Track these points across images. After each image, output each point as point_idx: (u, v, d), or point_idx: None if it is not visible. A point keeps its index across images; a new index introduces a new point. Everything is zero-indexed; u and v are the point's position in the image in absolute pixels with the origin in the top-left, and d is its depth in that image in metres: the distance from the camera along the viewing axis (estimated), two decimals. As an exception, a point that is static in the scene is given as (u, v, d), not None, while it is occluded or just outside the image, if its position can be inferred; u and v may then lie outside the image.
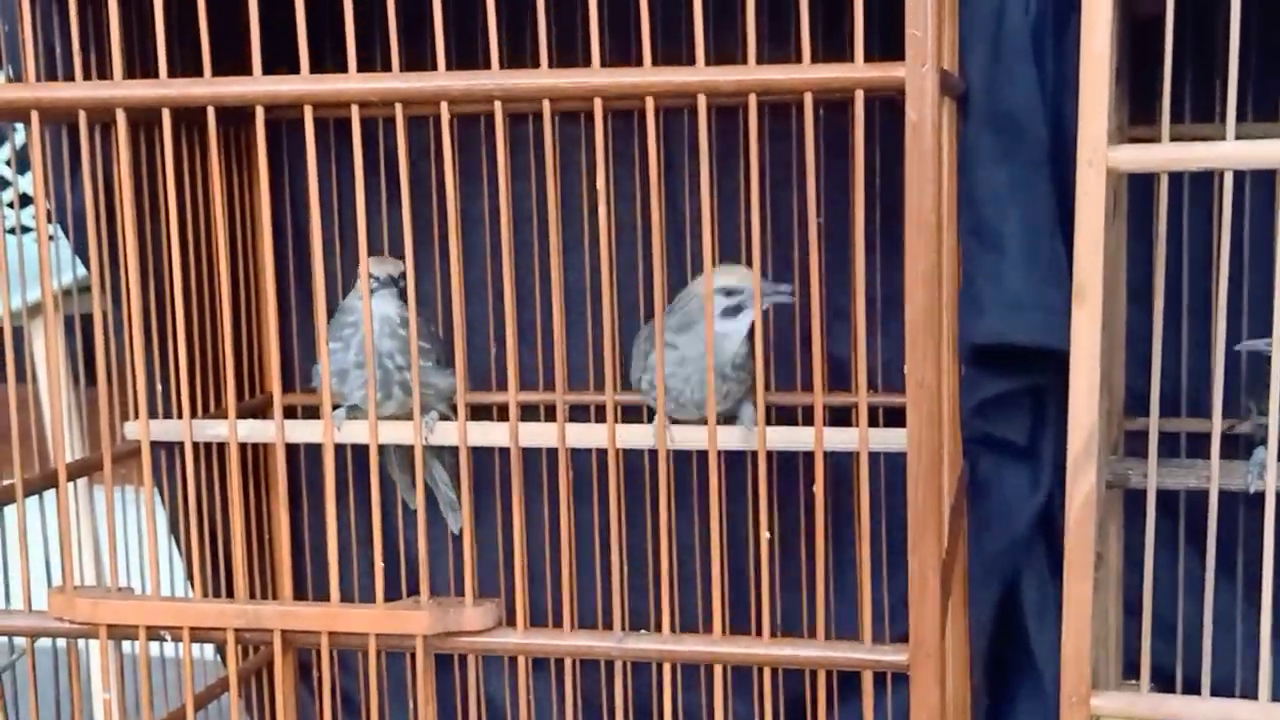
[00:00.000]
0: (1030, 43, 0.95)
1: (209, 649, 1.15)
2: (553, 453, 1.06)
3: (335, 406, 1.08)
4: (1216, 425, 0.74)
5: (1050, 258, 0.93)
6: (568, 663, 0.80)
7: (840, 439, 0.88)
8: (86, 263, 1.09)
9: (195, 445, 1.07)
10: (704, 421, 0.92)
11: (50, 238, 1.36)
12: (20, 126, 1.12)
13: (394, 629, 0.78)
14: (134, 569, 1.02)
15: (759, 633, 0.77)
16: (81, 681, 0.86)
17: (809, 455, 1.09)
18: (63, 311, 1.27)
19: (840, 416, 1.12)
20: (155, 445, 1.09)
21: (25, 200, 1.46)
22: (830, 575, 1.13)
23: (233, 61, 0.85)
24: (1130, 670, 1.08)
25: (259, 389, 1.22)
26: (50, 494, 0.91)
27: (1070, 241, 0.95)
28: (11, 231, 1.45)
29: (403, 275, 1.01)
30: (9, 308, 0.83)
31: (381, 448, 0.99)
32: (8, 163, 1.46)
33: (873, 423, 1.10)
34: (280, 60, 0.83)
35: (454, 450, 1.07)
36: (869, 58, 0.71)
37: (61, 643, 0.89)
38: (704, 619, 0.97)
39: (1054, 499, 1.01)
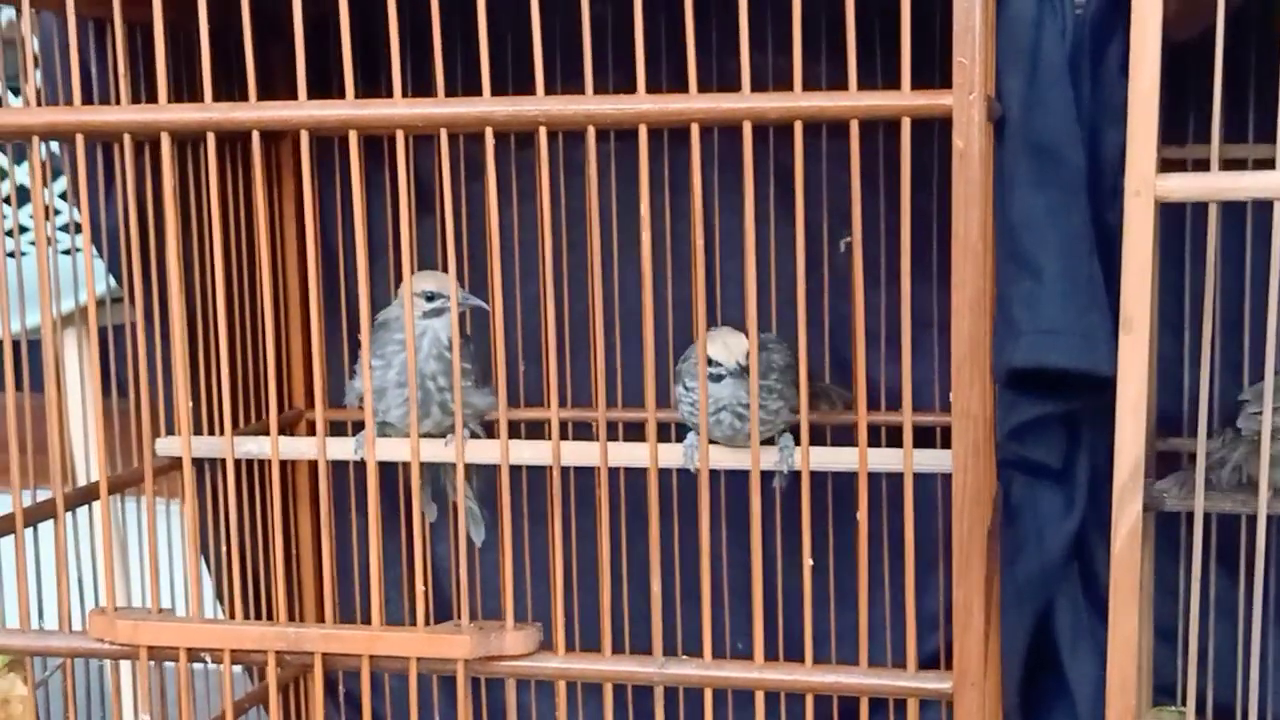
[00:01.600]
0: (1067, 67, 0.96)
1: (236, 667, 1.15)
2: (581, 471, 1.06)
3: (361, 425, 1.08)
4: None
5: (1088, 282, 0.93)
6: (606, 689, 0.80)
7: (880, 460, 0.88)
8: (119, 278, 1.09)
9: (223, 463, 1.08)
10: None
11: (66, 252, 1.37)
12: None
13: (436, 653, 0.78)
14: (162, 587, 1.03)
15: (798, 659, 0.77)
16: (106, 700, 0.86)
17: (836, 476, 1.09)
18: (93, 325, 1.28)
19: (847, 438, 1.11)
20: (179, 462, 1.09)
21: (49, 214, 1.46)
22: (850, 596, 1.13)
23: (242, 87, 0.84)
24: (1161, 693, 1.08)
25: (286, 405, 1.22)
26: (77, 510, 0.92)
27: (1107, 266, 0.96)
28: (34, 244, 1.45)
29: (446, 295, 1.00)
30: (22, 322, 0.83)
31: (401, 463, 0.99)
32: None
33: (891, 443, 1.10)
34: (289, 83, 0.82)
35: (479, 467, 1.07)
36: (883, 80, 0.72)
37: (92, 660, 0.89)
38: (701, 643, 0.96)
39: (1087, 523, 1.01)
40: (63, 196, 1.45)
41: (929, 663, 1.15)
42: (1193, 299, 1.09)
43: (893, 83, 0.73)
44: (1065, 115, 0.95)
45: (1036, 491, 1.02)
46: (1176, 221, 1.10)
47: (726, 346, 0.92)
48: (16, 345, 0.86)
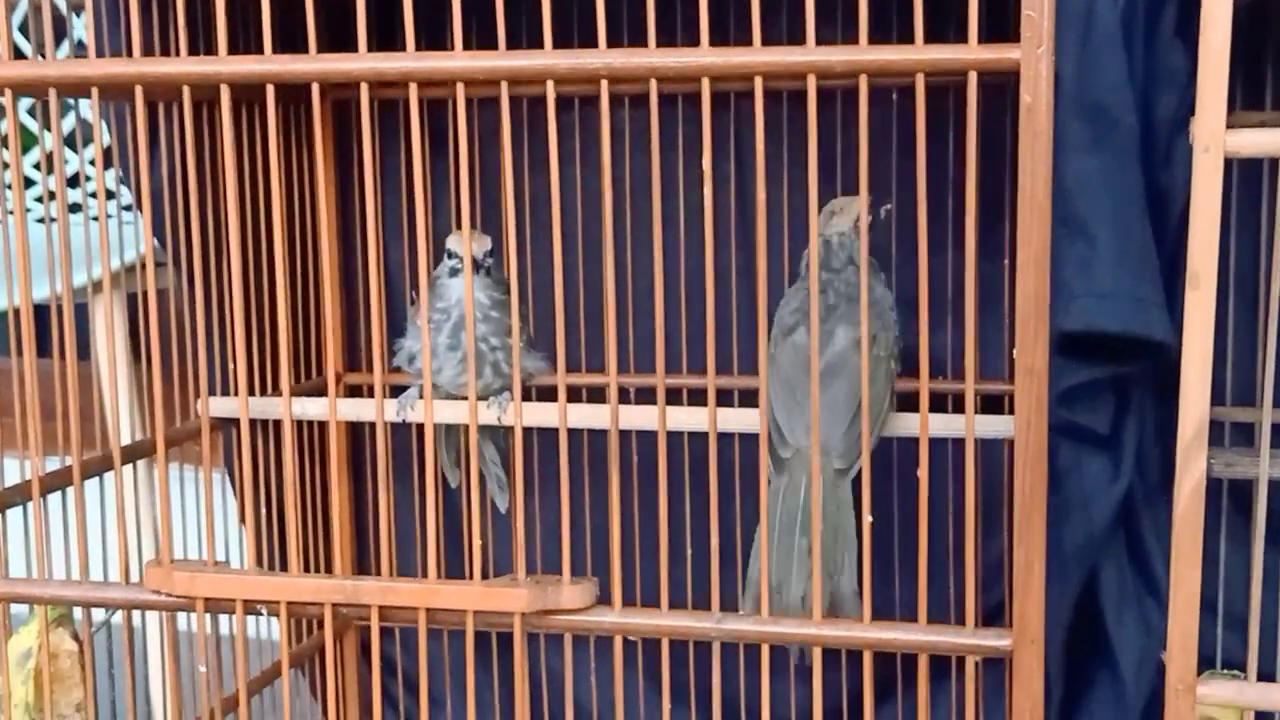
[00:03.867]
0: (1120, 30, 0.95)
1: (264, 628, 1.16)
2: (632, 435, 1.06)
3: (405, 386, 1.08)
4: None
5: (1141, 247, 0.93)
6: (663, 644, 0.80)
7: (941, 426, 0.88)
8: (162, 241, 1.09)
9: (263, 424, 1.08)
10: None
11: (95, 218, 1.36)
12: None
13: (493, 606, 0.78)
14: (194, 547, 1.03)
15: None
16: (135, 656, 0.86)
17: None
18: (125, 289, 1.28)
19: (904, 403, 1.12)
20: (228, 423, 1.09)
21: (75, 180, 1.46)
22: (898, 558, 1.14)
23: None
24: (1201, 665, 1.09)
25: (314, 370, 1.21)
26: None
27: (1158, 230, 0.96)
28: (73, 209, 1.45)
29: (489, 253, 1.00)
30: (68, 286, 0.83)
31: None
32: (69, 141, 1.46)
33: (941, 409, 1.09)
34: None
35: (507, 431, 1.07)
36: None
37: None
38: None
39: (1134, 490, 1.01)
40: (92, 163, 1.46)
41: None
42: (1235, 260, 1.09)
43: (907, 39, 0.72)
44: (1118, 77, 0.95)
45: (1083, 457, 1.02)
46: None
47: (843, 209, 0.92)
48: (63, 310, 0.87)
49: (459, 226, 1.13)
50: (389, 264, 1.23)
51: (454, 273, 1.01)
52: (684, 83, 0.77)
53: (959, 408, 1.10)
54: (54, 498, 0.90)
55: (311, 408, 1.02)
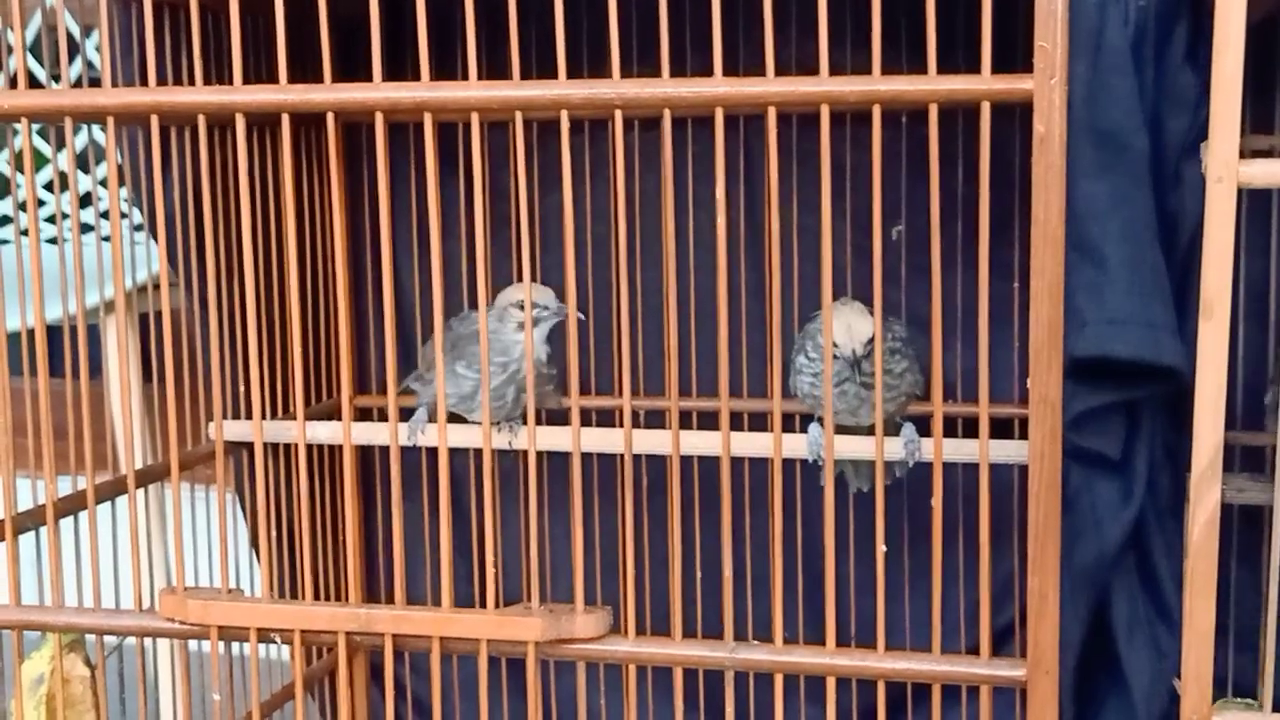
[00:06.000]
0: (1130, 54, 0.95)
1: (275, 648, 1.16)
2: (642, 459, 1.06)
3: (413, 409, 1.08)
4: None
5: (1151, 272, 0.93)
6: (676, 673, 0.80)
7: (953, 451, 0.88)
8: (174, 263, 1.10)
9: (288, 447, 1.08)
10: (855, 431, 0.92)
11: (107, 238, 1.36)
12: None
13: (507, 635, 0.78)
14: (202, 571, 1.03)
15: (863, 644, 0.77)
16: (147, 681, 0.86)
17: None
18: (136, 311, 1.28)
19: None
20: (239, 446, 1.09)
21: (86, 200, 1.46)
22: (910, 583, 1.13)
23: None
24: (1217, 686, 1.08)
25: (326, 392, 1.21)
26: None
27: (1168, 252, 0.96)
28: (83, 230, 1.46)
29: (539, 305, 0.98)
30: (80, 307, 0.83)
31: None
32: (83, 168, 1.46)
33: (950, 433, 1.09)
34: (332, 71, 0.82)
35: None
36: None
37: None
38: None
39: (1146, 514, 1.01)
40: (102, 183, 1.46)
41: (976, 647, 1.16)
42: (1245, 287, 1.09)
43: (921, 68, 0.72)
44: (1128, 102, 0.95)
45: (1094, 481, 1.02)
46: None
47: (850, 330, 0.87)
48: (71, 330, 0.87)
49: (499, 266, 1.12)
50: (399, 284, 1.23)
51: (520, 326, 0.99)
52: (697, 110, 0.77)
53: (969, 430, 1.10)
54: (65, 521, 0.90)
55: (322, 431, 1.02)
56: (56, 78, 1.46)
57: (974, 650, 1.15)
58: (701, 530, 1.08)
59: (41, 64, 1.46)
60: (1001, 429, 1.07)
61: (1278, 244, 1.10)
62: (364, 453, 1.22)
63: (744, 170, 1.15)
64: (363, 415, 1.23)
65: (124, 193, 1.25)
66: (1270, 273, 1.10)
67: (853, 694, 1.15)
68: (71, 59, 1.31)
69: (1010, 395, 1.12)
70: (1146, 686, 1.01)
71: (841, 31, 1.05)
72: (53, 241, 0.92)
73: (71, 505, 0.90)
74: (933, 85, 0.72)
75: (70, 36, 1.40)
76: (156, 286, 1.16)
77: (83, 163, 1.42)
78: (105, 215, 1.42)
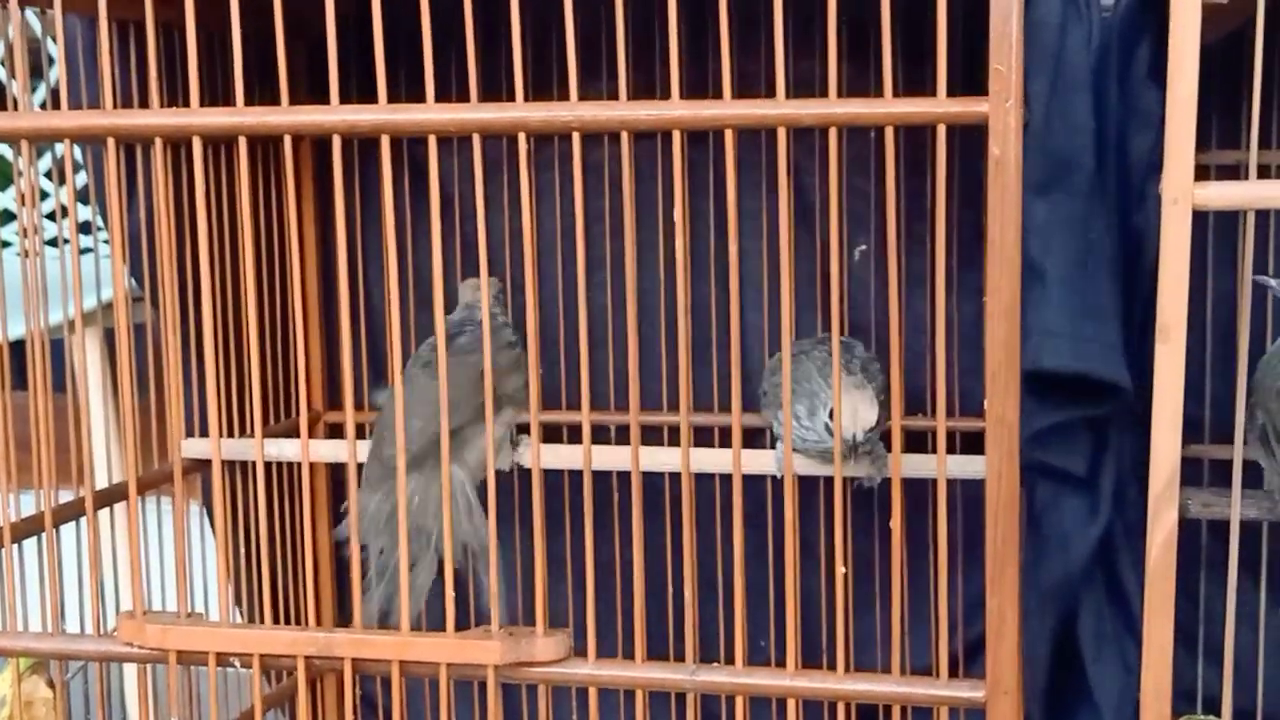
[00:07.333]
0: (1091, 72, 0.95)
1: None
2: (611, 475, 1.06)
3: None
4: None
5: (1092, 287, 0.93)
6: (638, 695, 0.79)
7: (914, 466, 0.88)
8: (139, 280, 1.09)
9: (241, 465, 1.08)
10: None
11: (84, 251, 1.35)
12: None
13: (466, 659, 0.78)
14: (169, 592, 1.02)
15: (831, 667, 0.77)
16: (109, 703, 0.85)
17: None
18: (101, 325, 1.28)
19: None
20: (205, 464, 1.09)
21: (63, 212, 1.45)
22: (865, 601, 1.13)
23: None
24: (1177, 698, 1.09)
25: (294, 409, 1.21)
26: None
27: (1132, 270, 0.96)
28: (52, 243, 1.45)
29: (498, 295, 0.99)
30: (38, 320, 0.83)
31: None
32: (48, 174, 1.46)
33: (922, 448, 1.10)
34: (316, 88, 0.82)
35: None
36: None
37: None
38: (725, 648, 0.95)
39: (1112, 530, 1.01)
40: (64, 208, 1.45)
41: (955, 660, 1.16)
42: (1213, 303, 1.10)
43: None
44: (1083, 121, 0.95)
45: (1060, 498, 1.02)
46: (1197, 228, 1.10)
47: (855, 416, 0.88)
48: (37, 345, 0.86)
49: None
50: (370, 300, 1.23)
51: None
52: (654, 132, 0.77)
53: (915, 445, 1.10)
54: (29, 541, 0.90)
55: (289, 448, 1.02)
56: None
57: (954, 663, 1.16)
58: (672, 547, 1.07)
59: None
60: (976, 443, 1.07)
61: (1244, 260, 1.10)
62: (335, 471, 1.22)
63: (713, 185, 1.15)
64: (336, 432, 1.23)
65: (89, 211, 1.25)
66: (1237, 289, 1.10)
67: (823, 713, 1.14)
68: (52, 65, 1.31)
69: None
70: (1115, 702, 1.01)
71: (810, 35, 1.05)
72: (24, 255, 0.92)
73: (34, 526, 0.90)
74: (888, 108, 0.73)
75: (39, 56, 1.40)
76: (107, 306, 1.16)
77: (53, 177, 1.42)
78: (85, 230, 1.41)
